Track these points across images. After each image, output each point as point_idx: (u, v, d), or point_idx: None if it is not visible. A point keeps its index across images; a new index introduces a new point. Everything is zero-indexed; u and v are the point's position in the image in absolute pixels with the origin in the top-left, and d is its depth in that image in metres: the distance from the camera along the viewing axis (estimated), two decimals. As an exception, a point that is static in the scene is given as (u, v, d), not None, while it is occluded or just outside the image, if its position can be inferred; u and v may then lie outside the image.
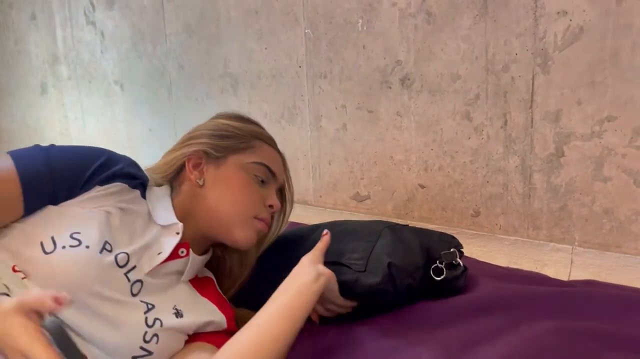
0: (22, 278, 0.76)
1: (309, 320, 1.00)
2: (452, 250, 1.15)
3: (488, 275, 1.25)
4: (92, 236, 0.82)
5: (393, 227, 1.17)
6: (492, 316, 1.00)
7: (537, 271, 1.39)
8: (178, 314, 0.89)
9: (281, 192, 1.12)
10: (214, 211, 0.96)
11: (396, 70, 1.66)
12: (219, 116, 1.10)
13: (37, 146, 0.89)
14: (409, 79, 1.63)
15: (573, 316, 1.02)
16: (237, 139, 1.02)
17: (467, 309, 1.05)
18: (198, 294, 0.97)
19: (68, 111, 2.84)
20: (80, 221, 0.83)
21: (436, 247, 1.15)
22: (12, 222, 0.81)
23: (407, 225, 1.24)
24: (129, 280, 0.85)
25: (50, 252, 0.78)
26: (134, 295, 0.85)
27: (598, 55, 1.30)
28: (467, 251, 1.33)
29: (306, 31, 1.84)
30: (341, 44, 1.76)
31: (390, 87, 1.68)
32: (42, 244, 0.78)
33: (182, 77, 2.27)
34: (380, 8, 1.65)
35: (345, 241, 1.11)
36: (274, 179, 1.05)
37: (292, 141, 1.97)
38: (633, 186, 1.31)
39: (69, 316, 0.77)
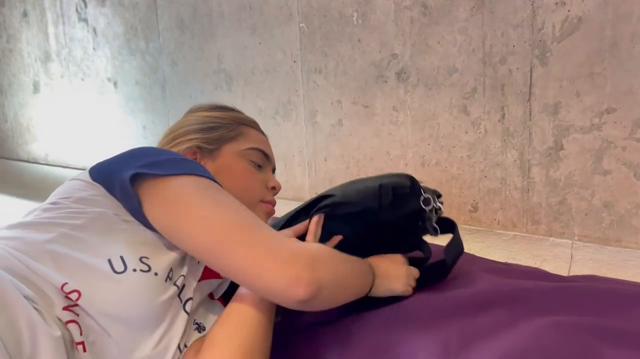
0: (71, 306, 0.67)
1: (309, 316, 0.98)
2: (434, 195, 1.09)
3: (486, 270, 1.23)
4: (161, 262, 0.75)
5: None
6: (491, 311, 0.98)
7: (536, 266, 1.36)
8: None
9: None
10: None
11: (392, 64, 1.63)
12: (197, 109, 1.06)
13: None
14: (404, 73, 1.61)
15: (573, 311, 1.00)
16: (225, 128, 0.99)
17: (466, 304, 1.02)
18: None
19: (61, 109, 2.81)
20: (149, 244, 0.75)
21: (402, 181, 1.06)
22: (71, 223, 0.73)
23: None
24: (181, 302, 0.78)
25: (121, 273, 0.70)
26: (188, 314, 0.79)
27: (597, 46, 1.28)
28: (465, 247, 1.31)
29: (300, 25, 1.81)
30: (336, 38, 1.73)
31: (386, 82, 1.65)
32: (110, 261, 0.70)
33: (176, 74, 2.24)
34: (376, 1, 1.62)
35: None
36: (268, 162, 1.04)
37: (287, 137, 1.94)
38: (633, 178, 1.29)
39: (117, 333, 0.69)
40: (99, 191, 0.78)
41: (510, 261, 1.45)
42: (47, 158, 2.99)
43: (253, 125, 1.06)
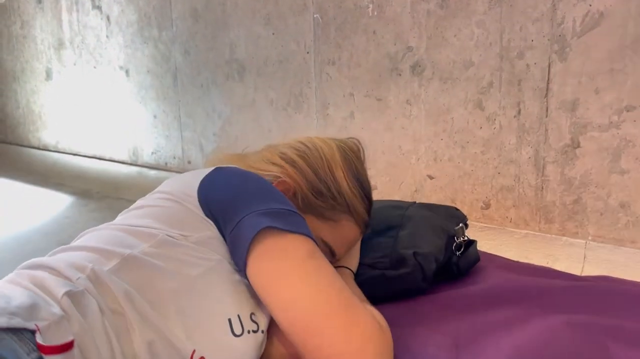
0: None
1: None
2: (460, 225, 1.15)
3: (498, 267, 1.20)
4: (264, 317, 0.72)
5: (407, 216, 1.15)
6: (502, 308, 0.96)
7: (548, 266, 1.34)
8: None
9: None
10: None
11: (407, 57, 1.61)
12: (342, 150, 0.93)
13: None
14: (419, 66, 1.59)
15: (586, 311, 0.97)
16: (329, 205, 0.86)
17: (477, 300, 1.00)
18: None
19: (73, 97, 2.81)
20: (255, 297, 0.70)
21: (448, 224, 1.14)
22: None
23: (415, 202, 1.23)
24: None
25: (239, 336, 0.66)
26: None
27: (618, 42, 1.25)
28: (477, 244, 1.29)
29: (315, 16, 1.79)
30: (351, 29, 1.71)
31: (400, 75, 1.63)
32: (230, 322, 0.66)
33: (188, 63, 2.23)
34: (392, -8, 1.60)
35: (366, 237, 1.09)
36: (330, 255, 0.91)
37: (298, 129, 1.92)
38: (652, 179, 1.26)
39: None
40: (212, 231, 0.71)
41: (522, 259, 1.42)
42: (57, 145, 2.99)
43: (358, 221, 0.92)
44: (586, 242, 1.36)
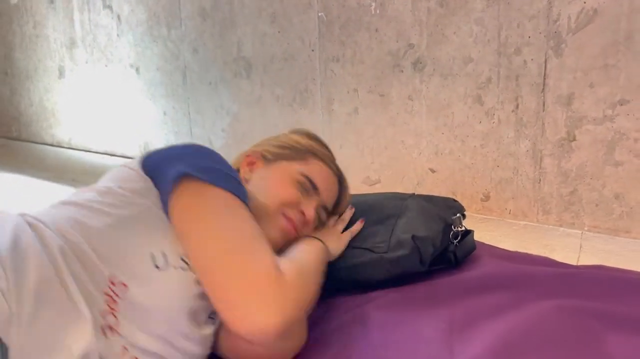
0: (111, 300, 0.71)
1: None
2: (458, 215, 1.20)
3: (494, 256, 1.25)
4: None
5: (406, 206, 1.20)
6: (496, 293, 1.01)
7: (545, 256, 1.38)
8: None
9: (326, 212, 1.08)
10: (250, 205, 0.86)
11: (408, 53, 1.65)
12: (292, 131, 1.14)
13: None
14: (420, 63, 1.63)
15: (578, 296, 1.02)
16: (293, 150, 1.03)
17: (472, 286, 1.05)
18: None
19: (85, 94, 2.88)
20: None
21: (446, 213, 1.18)
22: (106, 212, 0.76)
23: (414, 194, 1.27)
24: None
25: (161, 269, 0.74)
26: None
27: (612, 38, 1.29)
28: (475, 236, 1.33)
29: (319, 14, 1.84)
30: (354, 27, 1.76)
31: (402, 71, 1.68)
32: (153, 256, 0.74)
33: (197, 61, 2.29)
34: (394, -9, 1.65)
35: (367, 224, 1.15)
36: (315, 193, 1.00)
37: (303, 125, 1.97)
38: (644, 170, 1.30)
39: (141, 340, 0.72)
40: (148, 184, 0.82)
41: (520, 250, 1.47)
42: (70, 142, 3.07)
43: (324, 159, 1.06)
44: (582, 233, 1.41)
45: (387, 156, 1.77)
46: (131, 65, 2.59)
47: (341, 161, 1.88)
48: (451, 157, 1.63)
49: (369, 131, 1.80)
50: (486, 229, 1.57)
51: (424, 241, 1.08)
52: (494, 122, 1.52)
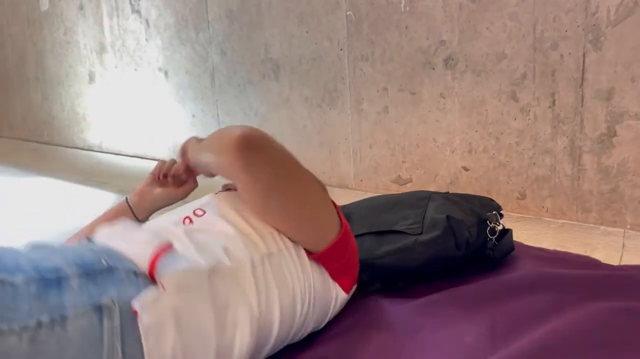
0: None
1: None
2: (494, 212, 1.16)
3: (533, 257, 1.22)
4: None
5: (437, 194, 1.19)
6: (538, 295, 0.98)
7: (586, 254, 1.34)
8: None
9: None
10: None
11: (440, 50, 1.63)
12: None
13: None
14: (452, 60, 1.60)
15: (625, 299, 0.98)
16: None
17: (513, 288, 1.03)
18: None
19: (115, 99, 2.92)
20: None
21: (480, 210, 1.16)
22: None
23: (448, 192, 1.25)
24: None
25: None
26: None
27: (654, 30, 1.25)
28: (513, 235, 1.31)
29: (348, 13, 1.83)
30: (383, 25, 1.74)
31: (433, 68, 1.65)
32: None
33: (225, 63, 2.29)
34: (424, -13, 1.62)
35: (395, 210, 1.12)
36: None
37: (333, 125, 1.96)
38: (691, 166, 1.25)
39: None
40: None
41: (559, 249, 1.43)
42: (101, 146, 3.11)
43: None
44: (624, 231, 1.37)
45: (419, 154, 1.75)
46: (160, 69, 2.61)
47: (371, 161, 1.87)
48: (485, 155, 1.60)
49: (399, 129, 1.78)
50: (523, 228, 1.53)
51: (459, 224, 1.05)
52: (529, 119, 1.49)
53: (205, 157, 0.90)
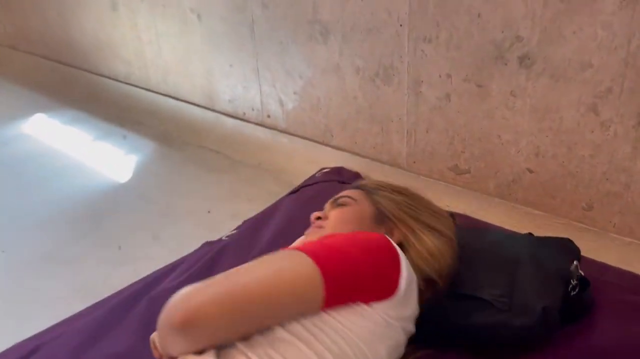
0: None
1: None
2: (575, 263, 1.12)
3: (609, 288, 1.19)
4: None
5: (521, 251, 1.14)
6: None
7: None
8: None
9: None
10: None
11: (515, 46, 1.49)
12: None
13: None
14: (529, 59, 1.48)
15: None
16: None
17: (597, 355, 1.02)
18: None
19: (141, 32, 2.75)
20: None
21: (563, 264, 1.12)
22: None
23: (531, 234, 1.21)
24: None
25: None
26: None
27: None
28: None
29: (411, -12, 1.65)
30: (452, 8, 1.58)
31: (505, 64, 1.53)
32: None
33: (266, 17, 2.13)
34: (504, -26, 1.45)
35: (481, 268, 1.08)
36: None
37: (386, 102, 1.87)
38: None
39: None
40: None
41: (623, 267, 1.42)
42: (129, 78, 3.00)
43: None
44: (696, 260, 1.36)
45: (480, 147, 1.68)
46: (192, 10, 2.43)
47: (427, 145, 1.80)
48: (554, 161, 1.54)
49: (461, 119, 1.69)
50: (587, 240, 1.51)
51: (552, 312, 1.03)
52: (608, 135, 1.41)
53: (164, 348, 0.81)
